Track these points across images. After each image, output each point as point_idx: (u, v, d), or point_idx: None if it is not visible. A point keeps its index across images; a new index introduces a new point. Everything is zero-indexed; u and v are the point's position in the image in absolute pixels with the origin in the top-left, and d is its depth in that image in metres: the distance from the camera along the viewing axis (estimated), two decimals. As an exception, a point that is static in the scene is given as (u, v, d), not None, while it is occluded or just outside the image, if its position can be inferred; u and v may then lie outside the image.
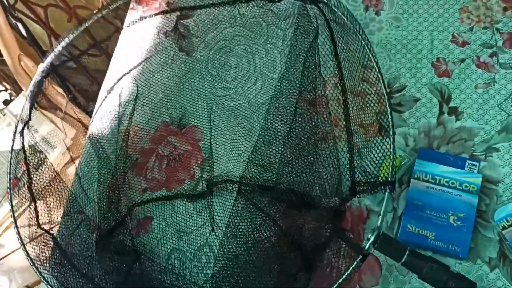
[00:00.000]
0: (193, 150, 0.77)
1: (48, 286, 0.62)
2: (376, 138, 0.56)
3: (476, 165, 0.66)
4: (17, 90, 1.46)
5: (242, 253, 0.62)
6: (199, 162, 0.76)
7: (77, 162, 0.81)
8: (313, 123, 0.62)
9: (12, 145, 0.71)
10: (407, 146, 0.71)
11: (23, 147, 0.72)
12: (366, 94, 0.59)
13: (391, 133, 0.55)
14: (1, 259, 1.11)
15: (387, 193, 0.54)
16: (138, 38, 0.86)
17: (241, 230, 0.64)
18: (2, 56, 1.19)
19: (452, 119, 0.71)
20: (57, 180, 0.74)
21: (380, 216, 0.53)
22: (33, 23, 1.31)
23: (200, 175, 0.75)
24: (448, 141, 0.70)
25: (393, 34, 0.80)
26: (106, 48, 1.19)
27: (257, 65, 0.82)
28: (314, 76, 0.63)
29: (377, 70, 0.58)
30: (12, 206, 0.69)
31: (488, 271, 0.61)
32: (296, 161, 0.63)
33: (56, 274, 0.63)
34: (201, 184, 0.74)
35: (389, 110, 0.56)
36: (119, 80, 0.85)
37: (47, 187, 0.74)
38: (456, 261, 0.62)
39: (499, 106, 0.71)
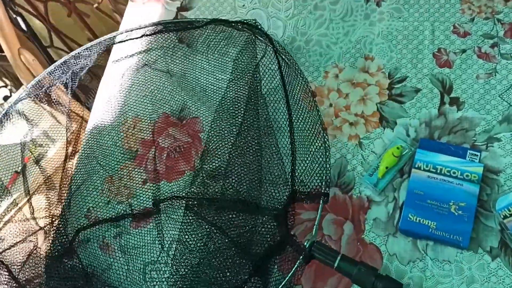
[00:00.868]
0: (193, 141, 0.77)
1: None
2: (316, 153, 0.64)
3: (478, 155, 0.66)
4: (17, 85, 1.46)
5: (194, 266, 0.63)
6: (199, 153, 0.76)
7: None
8: (258, 135, 0.66)
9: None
10: (408, 137, 0.70)
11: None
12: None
13: (327, 146, 0.63)
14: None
15: (321, 204, 0.60)
16: (138, 32, 0.86)
17: (191, 244, 0.65)
18: (2, 51, 1.18)
19: (453, 109, 0.71)
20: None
21: (315, 226, 0.59)
22: (33, 18, 1.31)
23: (200, 166, 0.75)
24: (449, 131, 0.70)
25: (394, 25, 0.80)
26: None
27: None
28: (257, 93, 0.69)
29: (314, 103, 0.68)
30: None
31: (490, 261, 0.61)
32: (242, 171, 0.66)
33: None
34: (201, 175, 0.74)
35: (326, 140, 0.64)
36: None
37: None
38: (458, 251, 0.62)
39: (501, 96, 0.70)
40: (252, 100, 0.70)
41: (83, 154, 0.79)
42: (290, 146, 0.64)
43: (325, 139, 0.65)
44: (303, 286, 0.64)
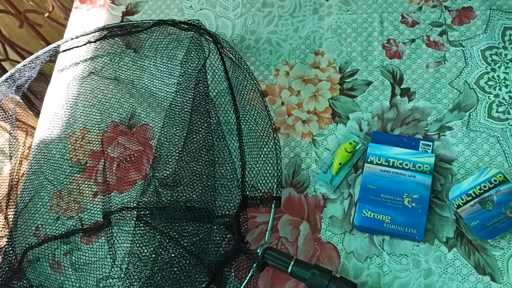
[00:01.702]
0: (145, 149, 0.75)
1: None
2: (267, 155, 0.63)
3: (430, 145, 0.65)
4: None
5: (149, 279, 0.61)
6: (151, 161, 0.74)
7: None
8: (208, 140, 0.65)
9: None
10: (361, 131, 0.69)
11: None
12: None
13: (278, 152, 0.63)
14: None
15: (273, 208, 0.59)
16: (83, 39, 0.83)
17: (144, 256, 0.63)
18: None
19: (405, 100, 0.70)
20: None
21: (268, 232, 0.58)
22: (-16, 31, 1.26)
23: (151, 174, 0.72)
24: (401, 122, 0.69)
25: (343, 18, 0.79)
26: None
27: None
28: (204, 95, 0.68)
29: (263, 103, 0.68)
30: None
31: (446, 251, 0.60)
32: (193, 178, 0.65)
33: None
34: (153, 184, 0.71)
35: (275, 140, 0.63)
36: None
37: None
38: (414, 244, 0.61)
39: (451, 84, 0.70)
40: (198, 103, 0.67)
41: (30, 170, 0.75)
42: (239, 150, 0.63)
43: (276, 140, 0.64)
44: (261, 292, 0.62)
